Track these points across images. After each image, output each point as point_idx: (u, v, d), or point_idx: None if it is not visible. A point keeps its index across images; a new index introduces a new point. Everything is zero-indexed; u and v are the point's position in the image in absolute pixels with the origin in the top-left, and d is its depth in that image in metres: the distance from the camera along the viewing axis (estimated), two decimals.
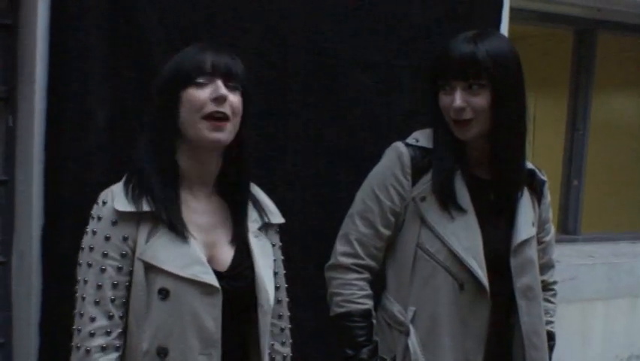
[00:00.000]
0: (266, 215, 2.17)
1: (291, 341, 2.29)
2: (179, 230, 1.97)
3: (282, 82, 3.27)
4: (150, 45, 3.00)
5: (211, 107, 1.96)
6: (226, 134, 1.98)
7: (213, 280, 1.95)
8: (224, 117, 1.97)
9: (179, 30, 3.04)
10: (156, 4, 3.00)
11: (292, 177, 3.27)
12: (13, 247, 3.06)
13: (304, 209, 3.27)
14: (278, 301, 2.21)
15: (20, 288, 3.03)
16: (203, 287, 1.94)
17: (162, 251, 1.95)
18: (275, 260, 2.19)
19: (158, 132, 2.02)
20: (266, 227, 2.18)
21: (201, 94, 1.96)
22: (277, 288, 2.19)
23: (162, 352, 1.93)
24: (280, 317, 2.24)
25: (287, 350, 2.27)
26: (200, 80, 1.97)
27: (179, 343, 1.93)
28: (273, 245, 2.20)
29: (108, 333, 1.96)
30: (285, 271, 2.27)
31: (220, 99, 1.96)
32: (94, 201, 2.83)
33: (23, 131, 2.99)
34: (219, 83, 1.97)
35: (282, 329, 2.25)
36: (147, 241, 1.96)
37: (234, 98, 1.99)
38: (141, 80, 2.97)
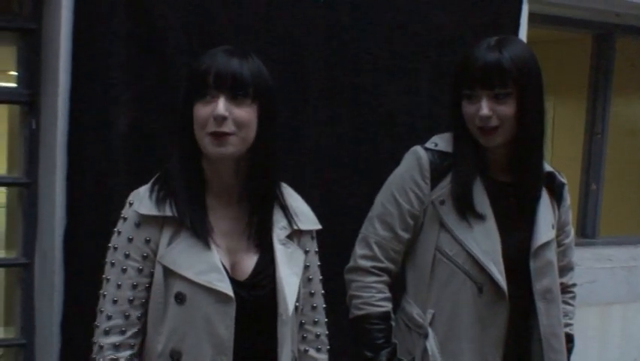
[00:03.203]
0: (295, 222, 2.13)
1: (328, 347, 2.24)
2: (201, 236, 1.97)
3: (301, 87, 3.29)
4: (171, 50, 3.03)
5: (212, 126, 1.94)
6: (230, 147, 1.96)
7: (228, 289, 1.95)
8: (226, 134, 1.95)
9: (200, 36, 3.06)
10: (178, 10, 3.03)
11: (311, 182, 3.28)
12: (36, 248, 3.10)
13: (323, 213, 3.28)
14: (313, 308, 2.19)
15: (43, 289, 3.06)
16: (218, 295, 1.94)
17: (181, 256, 1.96)
18: (308, 266, 2.16)
19: (182, 141, 2.03)
20: (298, 234, 2.14)
21: (204, 111, 1.95)
22: (312, 294, 2.18)
23: (176, 355, 1.94)
24: (315, 323, 2.20)
25: (323, 357, 2.22)
26: (205, 96, 1.96)
27: (192, 348, 1.94)
28: (307, 251, 2.16)
29: (123, 332, 1.98)
30: (321, 277, 2.23)
31: (218, 119, 1.94)
32: (115, 203, 2.85)
33: (46, 134, 3.03)
34: (221, 100, 1.94)
35: (318, 335, 2.20)
36: (169, 244, 1.97)
37: (240, 112, 1.95)
38: (162, 85, 3.00)
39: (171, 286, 1.96)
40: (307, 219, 2.18)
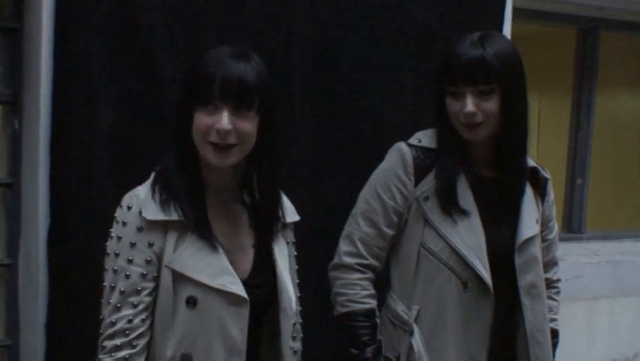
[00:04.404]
0: (283, 216, 2.14)
1: (301, 335, 2.26)
2: (207, 238, 1.95)
3: (287, 84, 3.28)
4: (155, 49, 3.01)
5: (214, 137, 1.91)
6: (232, 158, 1.95)
7: (241, 291, 1.94)
8: (228, 146, 1.93)
9: (184, 35, 3.05)
10: (161, 9, 3.01)
11: (295, 177, 3.28)
12: (20, 249, 3.08)
13: (310, 210, 3.28)
14: None
15: (27, 290, 3.05)
16: (231, 297, 1.93)
17: (191, 260, 1.93)
18: (289, 257, 2.17)
19: (179, 143, 2.00)
20: (283, 227, 2.15)
21: (207, 121, 1.91)
22: None
23: (186, 359, 1.92)
24: None
25: (298, 345, 2.24)
26: (208, 105, 1.91)
27: (204, 351, 1.93)
28: (288, 242, 2.18)
29: (126, 335, 1.93)
30: (297, 267, 2.25)
31: (222, 133, 1.90)
32: (99, 202, 2.85)
33: (29, 134, 3.01)
34: (225, 113, 1.90)
35: (294, 324, 2.20)
36: (175, 249, 1.94)
37: (243, 124, 1.92)
38: (145, 85, 2.99)
39: (181, 291, 1.93)
40: (290, 211, 2.20)
